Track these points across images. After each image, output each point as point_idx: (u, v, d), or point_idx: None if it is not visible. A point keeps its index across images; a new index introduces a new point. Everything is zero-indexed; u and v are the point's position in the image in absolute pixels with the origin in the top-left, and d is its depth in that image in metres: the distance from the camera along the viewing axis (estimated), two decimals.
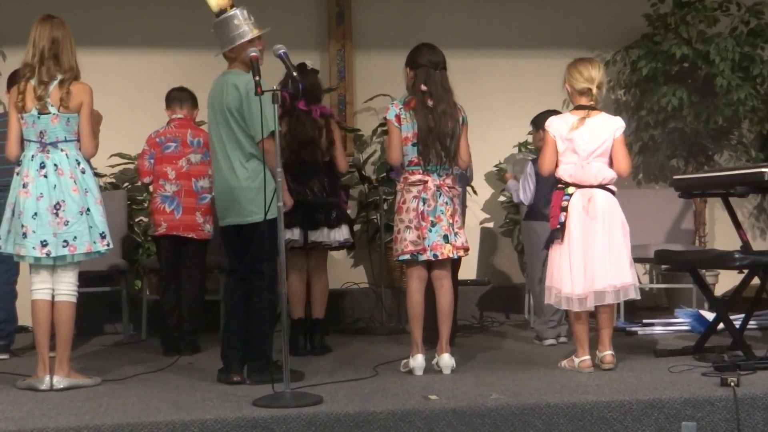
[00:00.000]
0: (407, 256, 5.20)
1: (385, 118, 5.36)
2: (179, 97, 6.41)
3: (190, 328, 6.23)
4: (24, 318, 6.12)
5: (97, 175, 7.50)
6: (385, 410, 4.21)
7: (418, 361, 5.18)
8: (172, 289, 6.26)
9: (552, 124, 5.28)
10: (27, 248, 4.89)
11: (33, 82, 4.93)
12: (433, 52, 5.33)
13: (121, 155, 7.54)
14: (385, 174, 6.66)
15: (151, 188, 6.48)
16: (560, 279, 5.17)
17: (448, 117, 5.23)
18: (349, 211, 7.00)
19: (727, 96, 7.71)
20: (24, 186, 4.91)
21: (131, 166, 7.28)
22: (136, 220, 7.51)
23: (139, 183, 6.72)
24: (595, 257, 5.14)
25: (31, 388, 4.88)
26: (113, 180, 7.69)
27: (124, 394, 4.73)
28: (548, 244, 5.28)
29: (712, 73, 7.75)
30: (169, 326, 6.22)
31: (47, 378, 4.89)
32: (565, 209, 5.18)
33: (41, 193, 4.89)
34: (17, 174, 4.97)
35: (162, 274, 6.36)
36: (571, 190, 5.21)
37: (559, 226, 5.18)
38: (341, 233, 6.13)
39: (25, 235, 4.88)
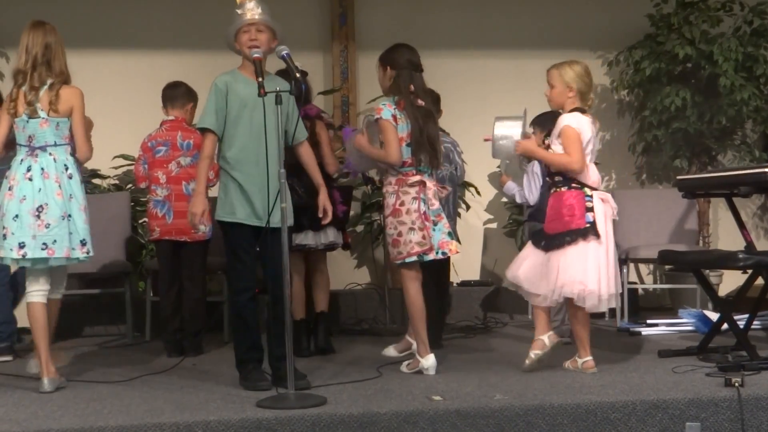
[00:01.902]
0: (414, 258, 5.19)
1: (378, 119, 5.22)
2: (171, 96, 6.36)
3: (193, 329, 6.23)
4: (26, 320, 6.13)
5: (100, 176, 7.60)
6: (389, 411, 4.21)
7: (430, 361, 5.19)
8: (173, 292, 6.26)
9: (578, 122, 5.19)
10: (5, 249, 4.91)
11: (24, 88, 4.96)
12: (413, 53, 5.32)
13: (124, 156, 7.55)
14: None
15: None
16: (593, 278, 5.06)
17: (432, 119, 5.28)
18: (352, 213, 7.00)
19: (730, 96, 7.71)
20: (9, 189, 4.94)
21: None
22: (140, 221, 7.52)
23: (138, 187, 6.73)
24: (611, 259, 5.14)
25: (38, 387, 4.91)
26: (116, 181, 7.71)
27: (127, 396, 4.73)
28: (571, 241, 5.16)
29: (716, 73, 7.75)
30: (171, 329, 6.22)
31: (46, 380, 4.90)
32: (591, 209, 5.14)
33: (24, 196, 4.91)
34: (6, 177, 4.99)
35: (161, 278, 6.34)
36: (588, 190, 5.18)
37: (588, 225, 5.11)
38: (326, 236, 6.12)
39: (5, 236, 4.91)
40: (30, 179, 4.92)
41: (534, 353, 5.20)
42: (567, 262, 5.10)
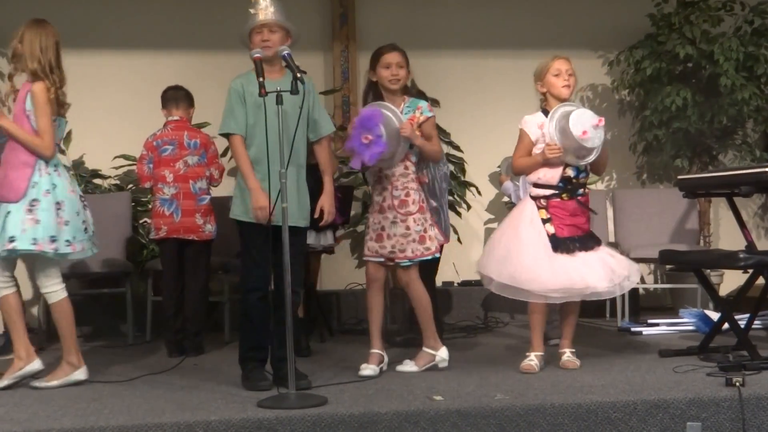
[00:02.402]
0: (438, 253, 5.34)
1: (431, 117, 5.30)
2: (175, 97, 6.39)
3: (194, 329, 6.23)
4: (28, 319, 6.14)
5: (101, 176, 7.62)
6: (389, 411, 4.21)
7: (445, 351, 5.32)
8: (177, 292, 6.26)
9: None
10: (89, 243, 5.09)
11: (51, 86, 4.98)
12: None
13: (125, 157, 7.55)
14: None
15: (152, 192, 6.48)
16: None
17: None
18: (352, 213, 7.00)
19: (731, 96, 7.71)
20: (72, 187, 5.05)
21: (135, 168, 7.28)
22: (141, 221, 7.52)
23: (142, 187, 6.74)
24: None
25: (71, 383, 5.01)
26: (117, 181, 7.71)
27: (128, 396, 4.73)
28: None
29: (716, 72, 7.75)
30: (173, 328, 6.22)
31: (85, 368, 5.05)
32: None
33: (78, 193, 5.11)
34: (49, 174, 4.96)
35: (165, 277, 6.35)
36: None
37: None
38: (326, 238, 6.19)
39: (86, 230, 5.07)
40: (66, 178, 5.08)
41: (539, 366, 5.21)
42: (609, 250, 5.34)
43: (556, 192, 5.21)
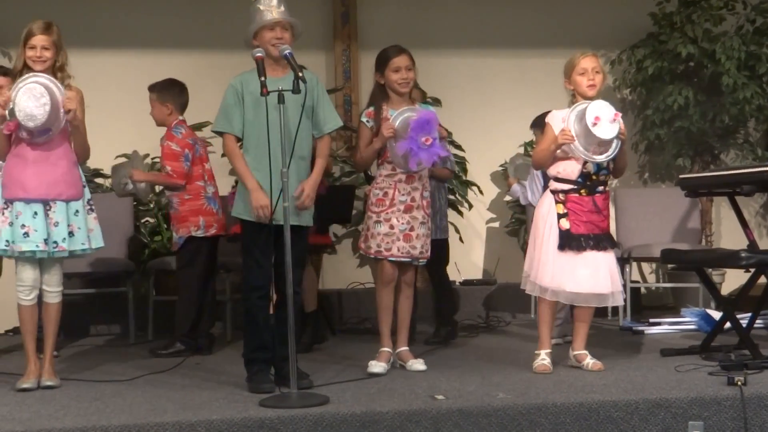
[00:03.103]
0: None
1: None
2: (183, 103, 6.30)
3: (208, 327, 6.22)
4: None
5: (102, 176, 7.61)
6: (391, 410, 4.20)
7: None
8: (204, 290, 6.19)
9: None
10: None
11: None
12: None
13: (126, 156, 7.54)
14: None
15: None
16: None
17: None
18: (354, 212, 7.01)
19: (733, 95, 7.71)
20: None
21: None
22: (142, 221, 7.52)
23: (176, 185, 6.18)
24: None
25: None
26: None
27: (130, 395, 4.73)
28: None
29: (718, 71, 7.75)
30: (197, 328, 6.14)
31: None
32: None
33: None
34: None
35: (199, 276, 6.14)
36: None
37: None
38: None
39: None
40: None
41: (551, 364, 5.16)
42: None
43: (575, 187, 5.11)
